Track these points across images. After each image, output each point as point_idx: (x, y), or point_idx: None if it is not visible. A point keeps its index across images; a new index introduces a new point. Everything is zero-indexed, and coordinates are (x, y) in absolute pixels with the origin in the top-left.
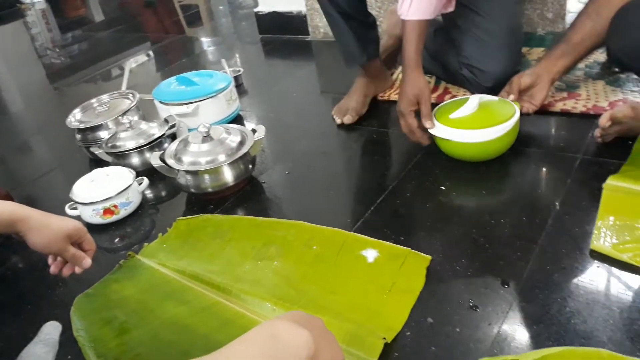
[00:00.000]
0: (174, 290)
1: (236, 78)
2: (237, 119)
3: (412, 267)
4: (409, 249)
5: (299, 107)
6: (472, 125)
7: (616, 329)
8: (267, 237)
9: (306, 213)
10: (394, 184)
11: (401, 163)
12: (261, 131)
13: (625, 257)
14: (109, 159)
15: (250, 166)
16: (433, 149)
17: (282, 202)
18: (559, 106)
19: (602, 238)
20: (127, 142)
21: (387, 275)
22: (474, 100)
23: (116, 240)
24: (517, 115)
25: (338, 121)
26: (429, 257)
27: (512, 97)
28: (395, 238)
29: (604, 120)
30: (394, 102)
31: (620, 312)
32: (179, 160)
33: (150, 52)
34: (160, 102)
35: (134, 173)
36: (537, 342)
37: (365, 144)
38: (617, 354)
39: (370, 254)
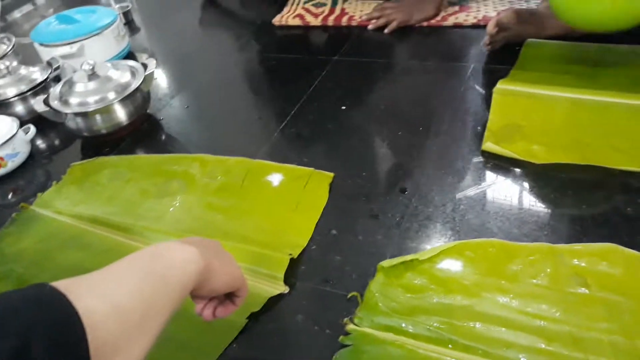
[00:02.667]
0: (73, 236)
1: (125, 15)
2: (129, 57)
3: (315, 185)
4: (312, 169)
5: (197, 40)
6: None
7: (505, 219)
8: (168, 174)
9: (208, 146)
10: (295, 109)
11: (302, 88)
12: (152, 65)
13: (513, 153)
14: None
15: (145, 103)
16: (331, 72)
17: (183, 137)
18: (451, 20)
19: (493, 138)
20: (7, 89)
21: (292, 196)
22: None
23: (8, 195)
24: None
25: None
26: (332, 174)
27: None
28: (300, 160)
29: (490, 27)
30: (291, 27)
31: (509, 204)
32: (65, 103)
33: None
34: (41, 45)
35: (18, 122)
36: (435, 240)
37: (265, 71)
38: (506, 241)
39: (275, 178)
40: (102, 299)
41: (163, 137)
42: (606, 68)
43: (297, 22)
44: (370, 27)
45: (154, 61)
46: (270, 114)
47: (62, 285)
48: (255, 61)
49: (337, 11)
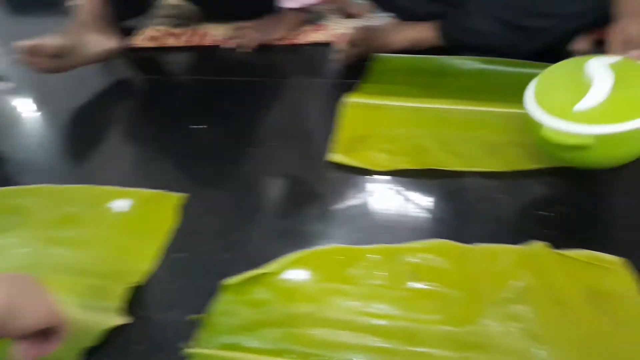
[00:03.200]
0: None
1: None
2: None
3: (164, 208)
4: (161, 191)
5: None
6: (626, 113)
7: (349, 225)
8: (6, 208)
9: (51, 176)
10: (152, 130)
11: (157, 109)
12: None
13: (357, 162)
14: None
15: None
16: (188, 91)
17: (24, 168)
18: (308, 38)
19: (340, 149)
20: None
21: (138, 221)
22: (604, 75)
23: None
24: None
25: None
26: (182, 195)
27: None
28: (149, 183)
29: (343, 44)
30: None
31: (351, 211)
32: None
33: None
34: None
35: None
36: (283, 252)
37: (118, 95)
38: (348, 246)
39: (122, 204)
40: None
41: (6, 168)
42: (445, 78)
43: (155, 43)
44: (228, 45)
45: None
46: (121, 138)
47: None
48: (108, 85)
49: (198, 32)
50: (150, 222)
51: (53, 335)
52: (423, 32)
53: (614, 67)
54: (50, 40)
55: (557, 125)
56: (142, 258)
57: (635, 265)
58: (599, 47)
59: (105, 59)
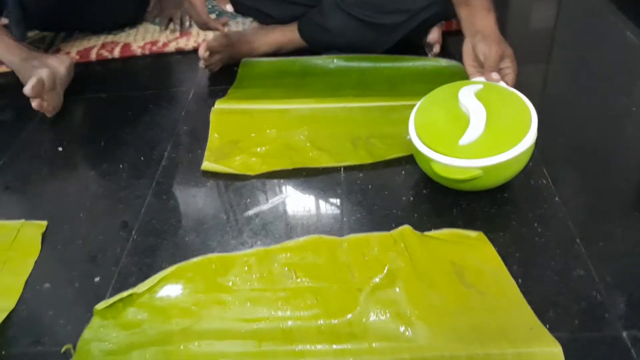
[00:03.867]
0: None
1: None
2: None
3: (25, 238)
4: (22, 220)
5: None
6: (506, 141)
7: (224, 232)
8: None
9: None
10: (3, 159)
11: (10, 134)
12: None
13: (230, 169)
14: None
15: None
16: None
17: None
18: (173, 46)
19: (212, 157)
20: None
21: None
22: (478, 107)
23: None
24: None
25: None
26: (45, 222)
27: (495, 75)
28: (8, 214)
29: (201, 51)
30: None
31: (226, 218)
32: None
33: None
34: None
35: None
36: (157, 269)
37: None
38: (224, 254)
39: None
40: None
41: None
42: (311, 77)
43: None
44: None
45: None
46: None
47: None
48: None
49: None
50: (11, 255)
51: None
52: (286, 34)
53: (481, 96)
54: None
55: (447, 162)
56: (3, 294)
57: (493, 238)
58: (448, 38)
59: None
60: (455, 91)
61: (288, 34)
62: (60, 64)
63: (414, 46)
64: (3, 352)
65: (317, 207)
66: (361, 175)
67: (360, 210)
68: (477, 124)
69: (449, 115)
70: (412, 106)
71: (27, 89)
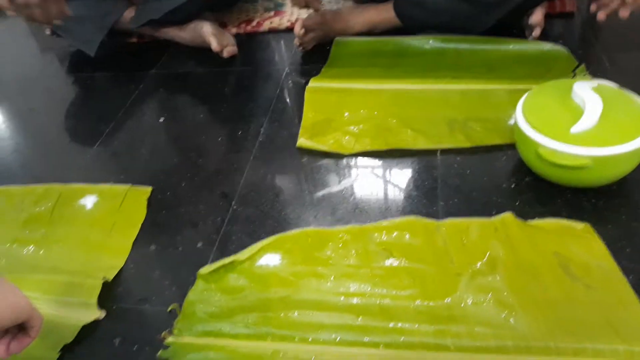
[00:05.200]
0: None
1: None
2: None
3: (132, 202)
4: (129, 185)
5: (9, 66)
6: (620, 135)
7: (319, 208)
8: None
9: (17, 176)
10: (111, 126)
11: (117, 104)
12: None
13: (325, 147)
14: None
15: None
16: (148, 86)
17: None
18: (267, 25)
19: (306, 134)
20: None
21: (107, 217)
22: (594, 99)
23: None
24: None
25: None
26: (150, 188)
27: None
28: (116, 178)
29: (297, 29)
30: None
31: (322, 194)
32: None
33: None
34: None
35: None
36: (255, 238)
37: (78, 92)
38: (320, 228)
39: (89, 201)
40: None
41: None
42: (405, 58)
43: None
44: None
45: None
46: (84, 135)
47: None
48: (70, 83)
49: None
50: (119, 217)
51: (28, 330)
52: (381, 13)
53: (597, 91)
54: None
55: (556, 147)
56: (113, 253)
57: (601, 230)
58: (550, 20)
59: None
60: (568, 86)
61: (383, 13)
62: None
63: (511, 29)
64: (114, 307)
65: (412, 188)
66: (458, 159)
67: (458, 195)
68: (592, 113)
69: (561, 104)
70: (513, 90)
71: None
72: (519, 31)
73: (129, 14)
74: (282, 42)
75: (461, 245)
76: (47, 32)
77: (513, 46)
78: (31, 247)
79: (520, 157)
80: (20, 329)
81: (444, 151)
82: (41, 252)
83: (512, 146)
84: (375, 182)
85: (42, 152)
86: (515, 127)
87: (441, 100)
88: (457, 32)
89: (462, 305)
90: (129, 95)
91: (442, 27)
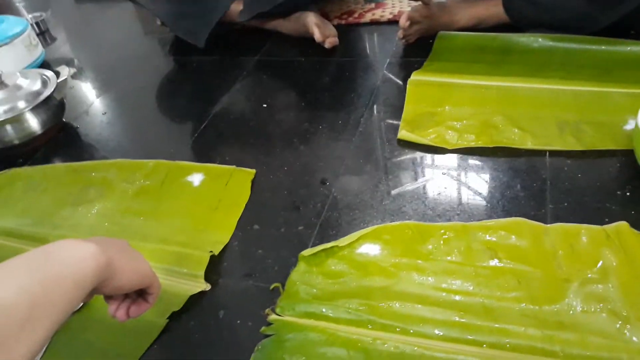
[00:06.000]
0: None
1: (39, 24)
2: (45, 67)
3: (237, 182)
4: (233, 166)
5: (115, 47)
6: None
7: (420, 202)
8: (85, 181)
9: (128, 150)
10: (217, 109)
11: (223, 87)
12: (64, 72)
13: (426, 140)
14: None
15: (59, 111)
16: (252, 71)
17: (101, 143)
18: (368, 17)
19: (407, 127)
20: None
21: (213, 195)
22: None
23: None
24: None
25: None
26: (253, 170)
27: None
28: (221, 159)
29: (402, 21)
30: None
31: (423, 188)
32: None
33: None
34: None
35: None
36: (354, 227)
37: (185, 74)
38: (421, 222)
39: (196, 178)
40: None
41: (80, 145)
42: (512, 55)
43: None
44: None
45: (67, 69)
46: (191, 116)
47: None
48: (177, 64)
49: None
50: (225, 195)
51: (147, 296)
52: (489, 8)
53: None
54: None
55: None
56: (219, 229)
57: None
58: None
59: None
60: None
61: (491, 8)
62: None
63: (628, 30)
64: (219, 280)
65: (519, 189)
66: (569, 162)
67: (568, 199)
68: None
69: None
70: (630, 94)
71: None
72: (638, 33)
73: (236, 7)
74: (383, 34)
75: (570, 251)
76: (158, 22)
77: (631, 48)
78: (141, 218)
79: (637, 164)
80: (139, 294)
81: (553, 153)
82: (151, 222)
83: (627, 152)
84: (479, 179)
85: (151, 130)
86: (635, 133)
87: (551, 101)
88: (568, 31)
89: (572, 312)
90: (234, 80)
91: (553, 25)
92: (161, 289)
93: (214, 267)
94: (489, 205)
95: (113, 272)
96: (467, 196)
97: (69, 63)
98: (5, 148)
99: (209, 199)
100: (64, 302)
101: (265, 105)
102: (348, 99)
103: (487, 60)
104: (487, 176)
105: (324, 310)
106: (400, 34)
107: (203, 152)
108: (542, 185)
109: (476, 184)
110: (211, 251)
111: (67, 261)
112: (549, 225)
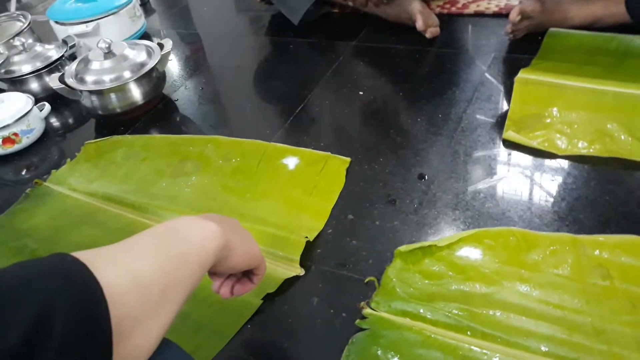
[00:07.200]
0: (87, 213)
1: None
2: (145, 38)
3: (332, 169)
4: (328, 153)
5: (213, 23)
6: None
7: (525, 208)
8: (183, 154)
9: (224, 128)
10: (312, 92)
11: (319, 71)
12: (168, 45)
13: (534, 143)
14: (3, 85)
15: (160, 83)
16: (348, 57)
17: (198, 118)
18: (472, 8)
19: (514, 127)
20: (22, 66)
21: (308, 180)
22: None
23: (22, 171)
24: None
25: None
26: (349, 159)
27: None
28: (316, 144)
29: (513, 15)
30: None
31: (529, 194)
32: (81, 80)
33: None
34: (56, 23)
35: (33, 99)
36: (453, 227)
37: (281, 56)
38: (527, 230)
39: (291, 162)
40: (124, 272)
41: (178, 118)
42: (630, 59)
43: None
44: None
45: (170, 42)
46: (286, 98)
47: (83, 256)
48: (272, 45)
49: None
50: (320, 181)
51: (252, 276)
52: (609, 7)
53: None
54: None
55: None
56: (314, 215)
57: None
58: None
59: None
60: None
61: (611, 7)
62: None
63: None
64: (313, 267)
65: (635, 205)
66: None
67: None
68: None
69: None
70: None
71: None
72: None
73: None
74: (487, 26)
75: None
76: None
77: None
78: (238, 196)
79: None
80: (244, 273)
81: None
82: (248, 202)
83: None
84: (590, 190)
85: (246, 109)
86: None
87: None
88: None
89: None
90: (331, 64)
91: None
92: (266, 270)
93: (308, 254)
94: (601, 219)
95: (229, 251)
96: (577, 207)
97: (168, 36)
98: (108, 115)
99: (304, 184)
100: (191, 281)
101: (361, 93)
102: (449, 92)
103: (603, 63)
104: (599, 188)
105: (421, 310)
106: (508, 28)
107: (298, 136)
108: None
109: (587, 195)
110: (306, 237)
111: (193, 240)
112: None
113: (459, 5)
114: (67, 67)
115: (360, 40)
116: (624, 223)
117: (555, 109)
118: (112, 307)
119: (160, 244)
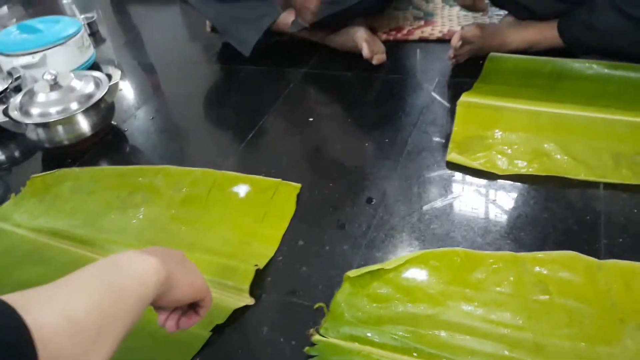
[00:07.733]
0: (32, 249)
1: (90, 25)
2: (94, 68)
3: (283, 196)
4: (279, 180)
5: (164, 52)
6: None
7: (469, 228)
8: (132, 186)
9: (174, 157)
10: (264, 119)
11: (270, 98)
12: (117, 75)
13: (476, 164)
14: None
15: (109, 113)
16: (299, 84)
17: (148, 148)
18: (417, 34)
19: (457, 149)
20: None
21: (259, 207)
22: None
23: None
24: None
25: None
26: (299, 185)
27: None
28: (267, 171)
29: (455, 40)
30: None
31: (472, 214)
32: (26, 113)
33: None
34: (1, 54)
35: None
36: (401, 249)
37: (233, 83)
38: (470, 250)
39: (242, 189)
40: (55, 312)
41: (127, 149)
42: (565, 81)
43: None
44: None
45: (119, 72)
46: (237, 126)
47: (11, 298)
48: (224, 72)
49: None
50: (270, 208)
51: (198, 308)
52: (542, 32)
53: None
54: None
55: None
56: (264, 242)
57: None
58: None
59: None
60: None
61: (545, 32)
62: None
63: None
64: (263, 295)
65: (572, 222)
66: (624, 196)
67: (624, 235)
68: None
69: None
70: None
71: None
72: None
73: (286, 17)
74: (432, 52)
75: (626, 289)
76: (208, 29)
77: None
78: (188, 226)
79: None
80: (189, 306)
81: (608, 185)
82: (197, 231)
83: None
84: (530, 209)
85: (198, 138)
86: None
87: (606, 131)
88: (626, 59)
89: (627, 354)
90: (282, 91)
91: (611, 52)
92: (212, 302)
93: (258, 282)
94: (540, 236)
95: (171, 285)
96: (517, 225)
97: (118, 65)
98: (55, 148)
99: (255, 211)
100: (130, 316)
101: (311, 119)
102: (395, 117)
103: (539, 85)
104: (538, 206)
105: (369, 334)
106: (451, 53)
107: (249, 164)
108: (595, 218)
109: (527, 213)
110: (256, 265)
111: (133, 275)
112: (602, 260)
113: (404, 32)
114: (11, 100)
115: (310, 67)
116: (562, 239)
117: (496, 130)
118: (42, 349)
119: (98, 280)
